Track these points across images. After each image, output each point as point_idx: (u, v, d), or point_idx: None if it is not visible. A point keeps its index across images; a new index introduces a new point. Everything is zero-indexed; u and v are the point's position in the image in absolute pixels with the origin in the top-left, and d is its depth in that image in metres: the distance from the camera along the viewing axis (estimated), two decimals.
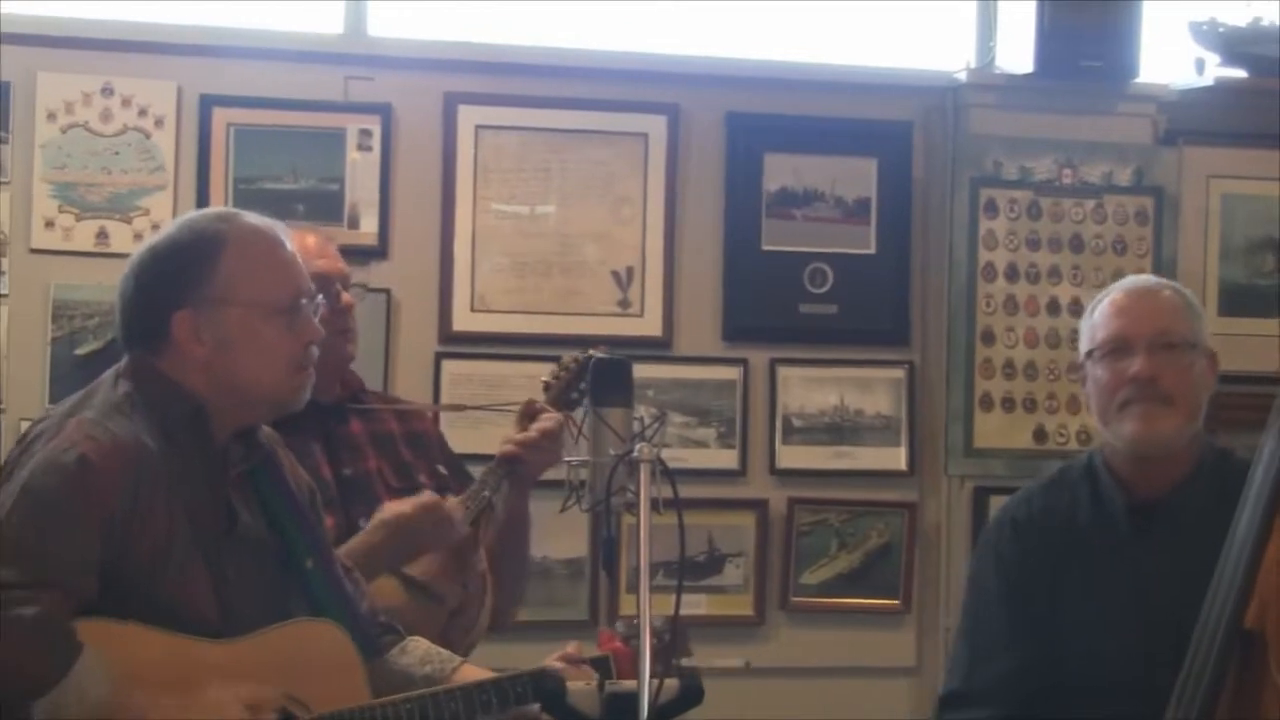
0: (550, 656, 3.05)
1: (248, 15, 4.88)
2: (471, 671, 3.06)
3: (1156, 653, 3.12)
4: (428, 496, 3.52)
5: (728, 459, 5.08)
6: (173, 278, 2.88)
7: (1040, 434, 5.19)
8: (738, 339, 5.10)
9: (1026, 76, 5.13)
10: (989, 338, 5.18)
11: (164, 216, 4.61)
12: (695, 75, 5.08)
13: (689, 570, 4.97)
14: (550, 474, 3.62)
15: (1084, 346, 3.40)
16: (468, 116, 4.93)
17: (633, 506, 2.72)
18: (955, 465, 5.16)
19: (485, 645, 3.59)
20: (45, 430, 2.82)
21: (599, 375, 2.90)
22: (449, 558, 3.53)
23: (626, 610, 4.79)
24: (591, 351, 3.34)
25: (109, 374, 2.92)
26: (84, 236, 4.68)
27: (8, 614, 2.57)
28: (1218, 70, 5.17)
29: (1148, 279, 3.67)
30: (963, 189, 5.18)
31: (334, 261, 3.68)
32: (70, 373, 4.51)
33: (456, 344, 4.91)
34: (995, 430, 5.17)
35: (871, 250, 5.18)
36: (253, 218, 2.97)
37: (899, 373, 5.18)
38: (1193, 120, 5.31)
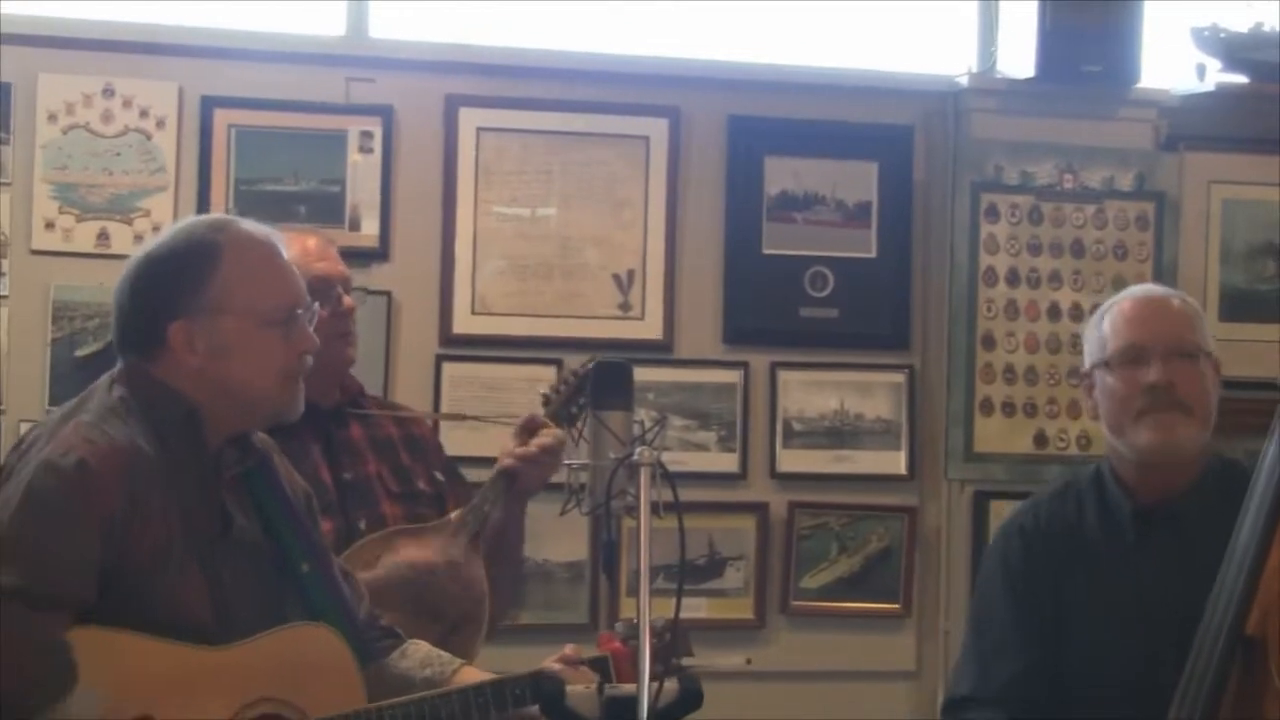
0: (548, 658, 3.05)
1: (249, 17, 4.88)
2: (472, 674, 3.05)
3: (1162, 658, 3.12)
4: (450, 557, 3.50)
5: (728, 462, 5.08)
6: (169, 287, 2.87)
7: (1040, 439, 5.19)
8: (738, 342, 5.10)
9: (1027, 81, 5.13)
10: (989, 342, 5.18)
11: (165, 218, 4.61)
12: (696, 78, 5.08)
13: (689, 574, 4.97)
14: (551, 477, 3.63)
15: (1092, 356, 3.39)
16: (469, 119, 4.93)
17: (633, 510, 2.72)
18: (955, 469, 5.16)
19: (484, 648, 3.58)
20: (42, 435, 2.82)
21: (599, 378, 2.89)
22: (449, 574, 3.53)
23: (627, 613, 4.78)
24: (591, 365, 3.30)
25: (104, 379, 2.91)
26: (85, 238, 4.68)
27: (7, 631, 2.57)
28: (1219, 75, 5.19)
29: (1154, 288, 3.67)
30: (964, 193, 5.17)
31: (335, 264, 3.67)
32: (70, 374, 4.51)
33: (457, 346, 4.90)
34: (995, 435, 5.17)
35: (872, 254, 5.18)
36: (249, 226, 2.96)
37: (899, 377, 5.18)
38: (1194, 125, 5.30)
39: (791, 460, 5.11)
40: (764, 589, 5.09)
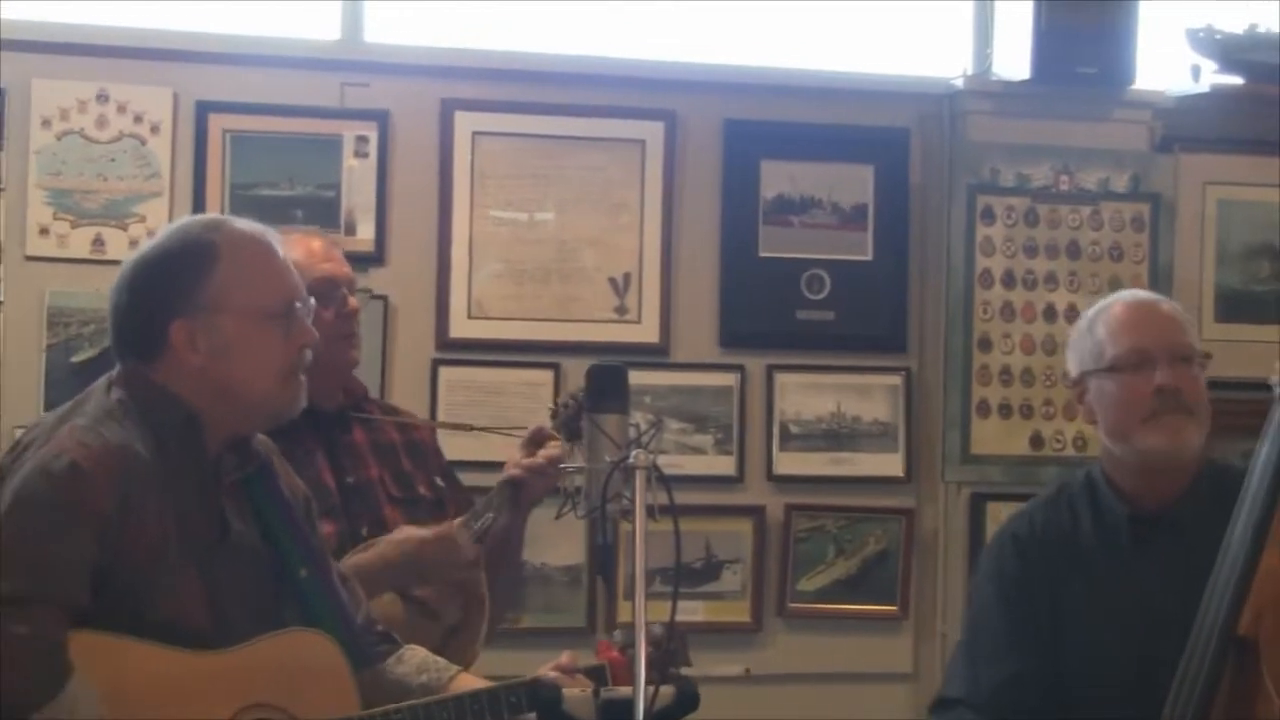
0: (544, 666, 3.04)
1: (244, 21, 4.88)
2: (469, 681, 3.05)
3: (1160, 662, 3.12)
4: (444, 527, 3.52)
5: (725, 465, 5.08)
6: (167, 287, 2.87)
7: (1037, 440, 5.19)
8: (735, 345, 5.10)
9: (1023, 83, 5.14)
10: (986, 344, 5.18)
11: (160, 223, 4.60)
12: (692, 82, 5.08)
13: (686, 577, 4.97)
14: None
15: (1085, 363, 3.38)
16: (465, 123, 4.93)
17: (628, 513, 2.72)
18: (952, 471, 5.16)
19: (482, 652, 3.58)
20: (36, 438, 2.81)
21: (594, 382, 2.89)
22: (442, 545, 3.52)
23: (624, 617, 4.79)
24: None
25: (101, 381, 2.91)
26: (79, 243, 4.67)
27: (3, 630, 2.57)
28: (1214, 77, 5.19)
29: (1141, 292, 3.67)
30: (960, 195, 5.18)
31: (339, 265, 3.66)
32: (65, 380, 4.50)
33: (453, 351, 4.90)
34: (992, 436, 5.17)
35: (869, 257, 5.18)
36: (243, 224, 2.97)
37: (896, 379, 5.18)
38: (1189, 127, 5.31)
39: (788, 463, 5.11)
40: (761, 592, 5.09)
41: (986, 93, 5.22)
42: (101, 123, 4.70)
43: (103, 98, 4.70)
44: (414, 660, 3.09)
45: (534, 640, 4.53)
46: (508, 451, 3.70)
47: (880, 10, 5.30)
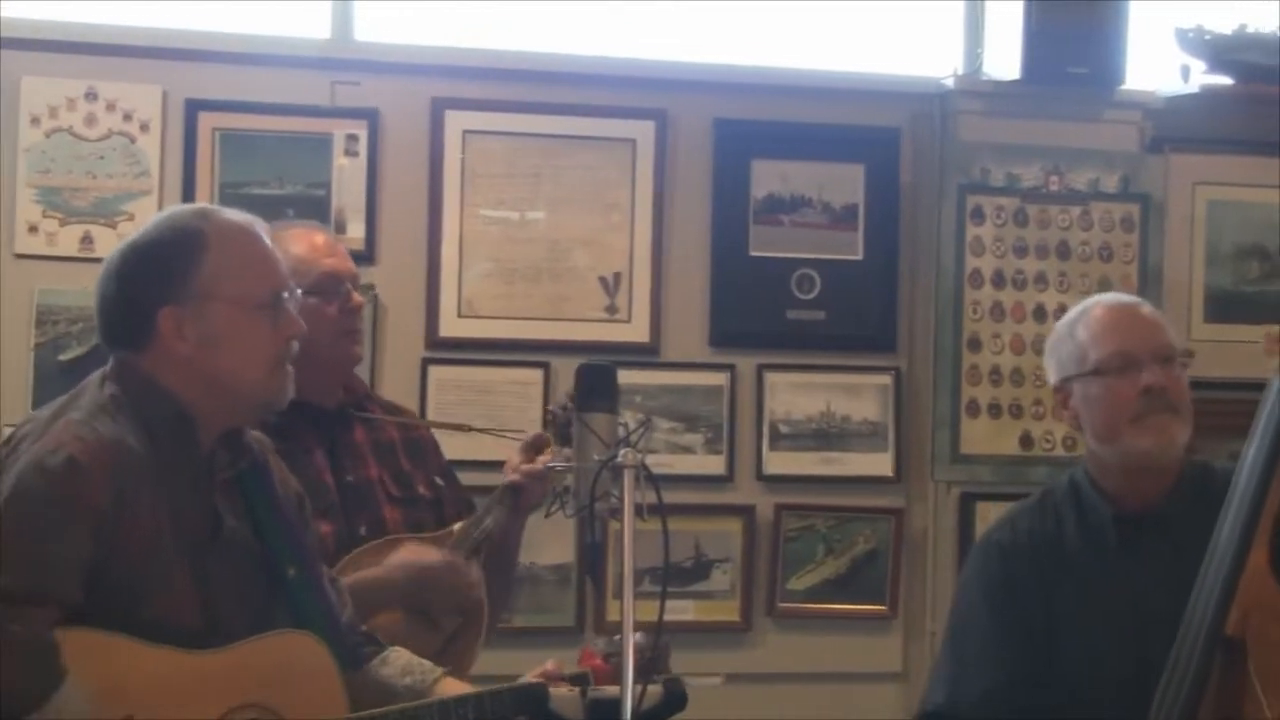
0: (529, 674, 3.04)
1: (234, 20, 4.87)
2: (453, 685, 3.05)
3: (1152, 663, 3.11)
4: (450, 555, 3.50)
5: (715, 465, 5.07)
6: (156, 275, 2.87)
7: (1026, 440, 5.19)
8: (725, 345, 5.10)
9: (1013, 83, 5.14)
10: (976, 344, 5.18)
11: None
12: (683, 81, 5.08)
13: (676, 576, 4.97)
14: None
15: (1068, 367, 3.38)
16: (455, 122, 4.93)
17: (617, 512, 2.72)
18: (942, 471, 5.16)
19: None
20: (31, 433, 2.80)
21: (584, 381, 2.89)
22: (450, 574, 3.51)
23: (613, 616, 4.78)
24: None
25: (95, 376, 2.91)
26: (68, 241, 4.67)
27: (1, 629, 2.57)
28: (1204, 77, 5.20)
29: (1120, 295, 3.68)
30: (950, 195, 5.18)
31: (343, 261, 3.63)
32: (55, 378, 4.50)
33: (444, 350, 4.90)
34: (982, 436, 5.18)
35: (859, 256, 5.18)
36: (232, 214, 2.97)
37: (886, 379, 5.18)
38: (1179, 127, 5.31)
39: (778, 462, 5.11)
40: (751, 591, 5.09)
41: (977, 93, 5.22)
42: (91, 120, 4.69)
43: (92, 95, 4.70)
44: (398, 662, 3.08)
45: (523, 640, 4.54)
46: (503, 452, 3.70)
47: (871, 10, 5.30)
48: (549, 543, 4.82)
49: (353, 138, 4.85)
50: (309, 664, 2.88)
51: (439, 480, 3.74)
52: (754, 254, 5.12)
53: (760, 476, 5.11)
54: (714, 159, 5.10)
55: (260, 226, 2.97)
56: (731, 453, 5.09)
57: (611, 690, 2.75)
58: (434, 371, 4.88)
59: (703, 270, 5.09)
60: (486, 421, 4.27)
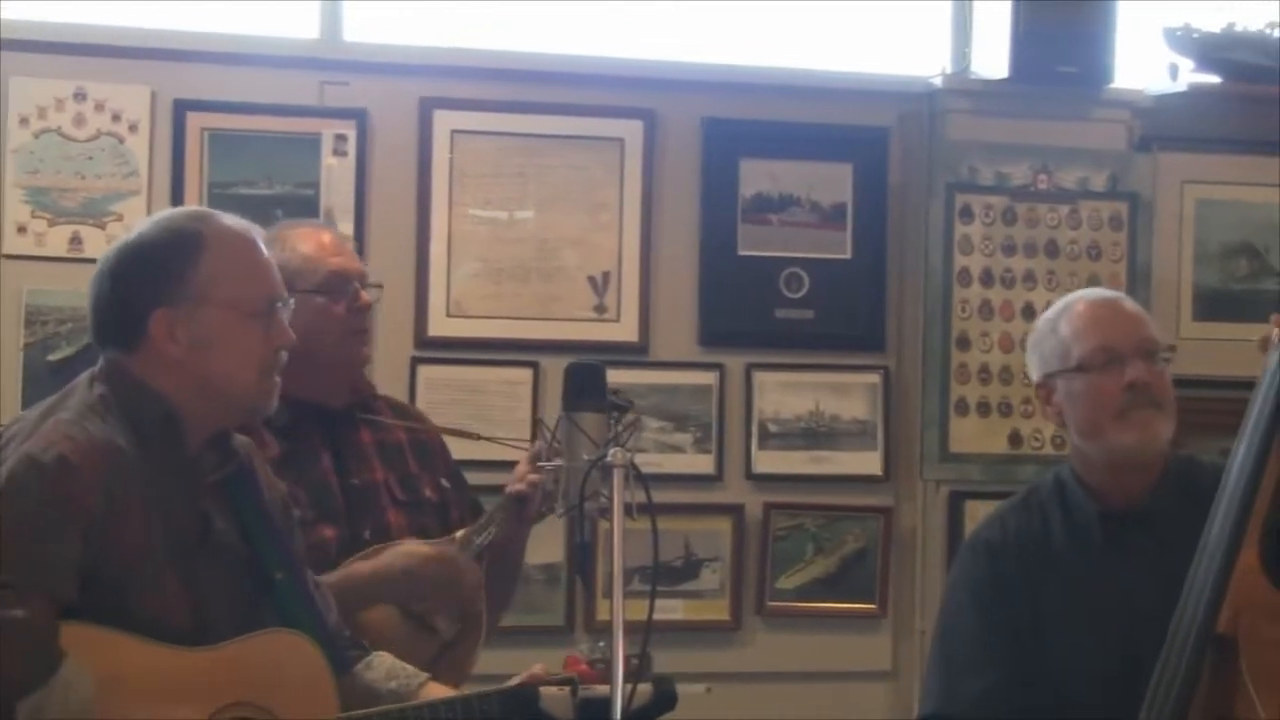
0: (516, 678, 3.04)
1: (223, 20, 4.87)
2: (437, 689, 3.05)
3: (1140, 660, 3.12)
4: (448, 545, 3.47)
5: (704, 464, 5.08)
6: (151, 276, 2.86)
7: (1015, 438, 5.19)
8: (714, 344, 5.10)
9: (1002, 82, 5.15)
10: (964, 343, 5.18)
11: (138, 222, 4.60)
12: (671, 80, 5.08)
13: (665, 575, 4.97)
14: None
15: (1050, 364, 3.37)
16: (443, 121, 4.93)
17: (606, 512, 2.72)
18: (931, 470, 5.17)
19: None
20: (20, 432, 2.80)
21: (573, 380, 2.89)
22: (447, 566, 3.50)
23: (603, 615, 4.79)
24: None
25: (84, 377, 2.90)
26: (57, 242, 4.66)
27: None
28: (1192, 76, 5.21)
29: (1101, 290, 3.68)
30: (938, 194, 5.18)
31: (351, 259, 3.61)
32: (44, 379, 4.49)
33: (432, 349, 4.90)
34: (971, 435, 5.18)
35: (847, 255, 5.19)
36: (229, 219, 2.96)
37: (875, 377, 5.19)
38: (1167, 126, 5.32)
39: (767, 461, 5.11)
40: (740, 590, 5.09)
41: (965, 92, 5.22)
42: (79, 121, 4.69)
43: (80, 96, 4.69)
44: (383, 667, 3.08)
45: (512, 639, 4.50)
46: (497, 452, 3.69)
47: (859, 9, 5.30)
48: (539, 542, 4.75)
49: (341, 138, 4.84)
50: (301, 663, 2.88)
51: (445, 483, 3.69)
52: (743, 253, 5.12)
53: (749, 476, 5.11)
54: (702, 158, 5.10)
55: (257, 233, 2.98)
56: (720, 452, 5.09)
57: (602, 690, 2.76)
58: (423, 371, 4.87)
59: (691, 270, 5.09)
60: (475, 420, 4.26)
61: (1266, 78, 5.13)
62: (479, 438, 3.81)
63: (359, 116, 4.86)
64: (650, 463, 2.82)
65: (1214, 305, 5.35)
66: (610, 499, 2.71)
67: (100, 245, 4.52)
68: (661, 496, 2.75)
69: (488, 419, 4.63)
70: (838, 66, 5.26)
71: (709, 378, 5.09)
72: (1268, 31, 5.17)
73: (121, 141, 4.71)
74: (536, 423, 3.58)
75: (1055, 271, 5.23)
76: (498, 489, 3.64)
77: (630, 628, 2.67)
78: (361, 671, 3.06)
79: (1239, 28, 5.15)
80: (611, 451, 2.73)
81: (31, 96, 4.67)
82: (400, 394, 4.75)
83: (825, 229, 5.18)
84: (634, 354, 5.01)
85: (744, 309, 5.11)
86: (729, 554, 5.08)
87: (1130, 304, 3.44)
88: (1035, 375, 3.44)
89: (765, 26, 5.23)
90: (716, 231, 5.10)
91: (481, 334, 4.93)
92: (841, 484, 5.16)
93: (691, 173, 5.10)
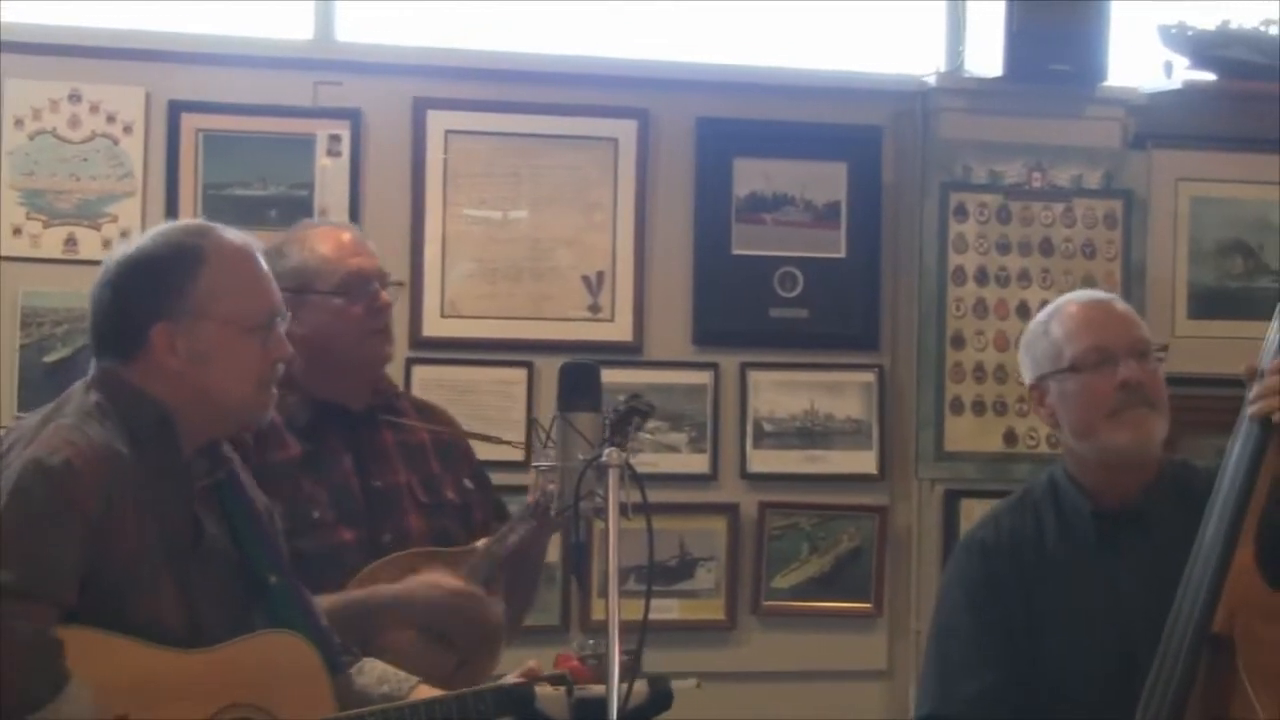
0: (510, 674, 3.04)
1: (216, 21, 4.87)
2: (427, 693, 3.04)
3: (1134, 659, 3.12)
4: (471, 590, 3.43)
5: (699, 463, 5.07)
6: (151, 290, 2.89)
7: (1010, 437, 5.19)
8: (708, 343, 5.10)
9: (995, 80, 5.14)
10: (959, 341, 5.18)
11: (133, 223, 4.61)
12: (665, 80, 5.08)
13: (660, 575, 4.97)
14: (521, 479, 3.61)
15: (1043, 365, 3.37)
16: (437, 121, 4.93)
17: (601, 512, 2.72)
18: (926, 469, 5.17)
19: None
20: (21, 437, 2.83)
21: (567, 380, 2.90)
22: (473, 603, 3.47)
23: (597, 614, 4.78)
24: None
25: (79, 384, 2.93)
26: (52, 243, 4.66)
27: (5, 625, 2.57)
28: (1186, 73, 5.21)
29: (1093, 292, 3.68)
30: (932, 193, 5.18)
31: (370, 259, 3.57)
32: (39, 380, 4.50)
33: (427, 350, 4.90)
34: (966, 434, 5.18)
35: (842, 254, 5.19)
36: (230, 233, 2.98)
37: (869, 376, 5.19)
38: (1162, 124, 5.32)
39: (762, 461, 5.11)
40: (735, 590, 5.09)
41: (959, 90, 5.22)
42: (74, 122, 4.69)
43: (75, 97, 4.69)
44: (374, 672, 3.09)
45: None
46: (499, 452, 3.69)
47: (853, 8, 5.31)
48: None
49: (335, 138, 4.84)
50: (297, 664, 2.90)
51: (469, 483, 3.67)
52: (737, 252, 5.12)
53: (744, 475, 5.11)
54: (696, 158, 5.10)
55: (257, 247, 3.00)
56: (715, 451, 5.09)
57: (597, 689, 2.76)
58: (417, 371, 4.87)
59: (685, 269, 5.09)
60: (470, 421, 4.25)
61: (1261, 75, 5.13)
62: (501, 441, 3.80)
63: (353, 117, 4.86)
64: (645, 462, 2.81)
65: (1209, 303, 5.36)
66: (605, 498, 2.71)
67: (95, 246, 4.55)
68: (656, 496, 2.75)
69: (483, 419, 4.62)
70: (831, 66, 5.27)
71: (703, 377, 5.09)
72: (1262, 29, 5.17)
73: (116, 143, 4.71)
74: (531, 423, 3.57)
75: (1050, 270, 5.23)
76: (497, 489, 3.64)
77: (625, 627, 2.67)
78: (353, 676, 3.07)
79: (1234, 25, 5.15)
80: (606, 451, 2.73)
81: (26, 98, 4.66)
82: None
83: (819, 228, 5.18)
84: (628, 354, 5.01)
85: (738, 308, 5.11)
86: (724, 553, 5.08)
87: (1122, 305, 3.44)
88: (1028, 378, 3.44)
89: (759, 26, 5.23)
90: (710, 231, 5.10)
91: (476, 334, 4.93)
92: (836, 483, 5.16)
93: (685, 172, 5.10)
